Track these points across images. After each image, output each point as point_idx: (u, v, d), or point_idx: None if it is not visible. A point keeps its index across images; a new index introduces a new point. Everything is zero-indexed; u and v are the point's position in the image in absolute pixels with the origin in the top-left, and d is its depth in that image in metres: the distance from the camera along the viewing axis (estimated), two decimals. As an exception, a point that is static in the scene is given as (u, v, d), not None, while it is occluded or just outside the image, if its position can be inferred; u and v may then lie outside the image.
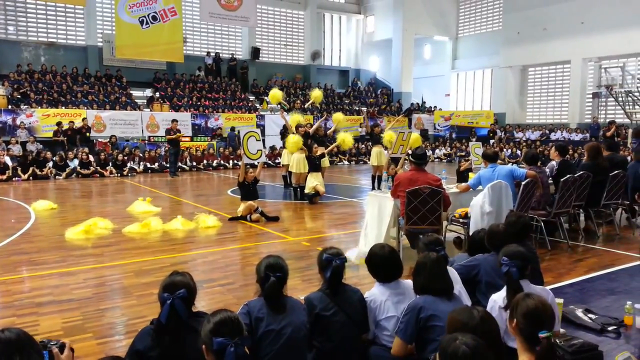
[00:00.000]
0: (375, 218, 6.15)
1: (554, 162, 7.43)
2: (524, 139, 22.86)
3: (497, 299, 3.06)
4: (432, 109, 27.98)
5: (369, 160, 13.31)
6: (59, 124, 16.80)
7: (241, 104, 22.91)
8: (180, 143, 16.79)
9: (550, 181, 7.11)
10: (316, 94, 13.77)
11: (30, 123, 16.93)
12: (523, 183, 6.12)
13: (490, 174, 6.12)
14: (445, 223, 6.07)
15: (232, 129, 20.19)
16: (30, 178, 14.52)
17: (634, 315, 3.91)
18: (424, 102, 28.75)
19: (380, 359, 3.06)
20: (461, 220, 6.09)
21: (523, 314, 2.29)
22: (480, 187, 6.12)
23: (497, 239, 3.79)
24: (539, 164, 7.07)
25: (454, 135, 25.63)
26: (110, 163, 15.97)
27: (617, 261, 5.98)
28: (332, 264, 3.06)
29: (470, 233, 5.37)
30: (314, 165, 10.51)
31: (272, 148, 19.89)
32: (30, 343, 2.00)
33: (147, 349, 2.49)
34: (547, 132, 22.73)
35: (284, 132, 12.36)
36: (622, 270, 5.61)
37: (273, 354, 2.68)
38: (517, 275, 3.04)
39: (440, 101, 28.90)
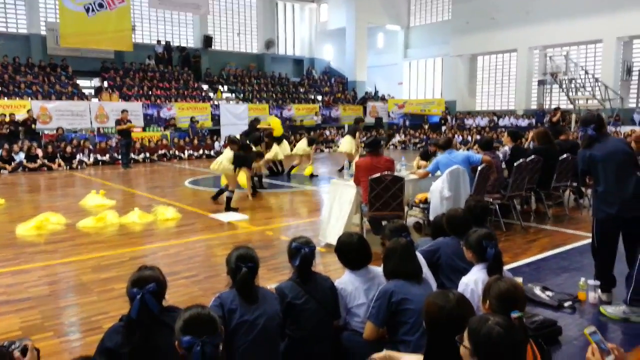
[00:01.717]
0: (337, 205, 6.19)
1: (506, 147, 7.70)
2: (474, 125, 23.50)
3: (468, 282, 3.15)
4: (386, 98, 28.32)
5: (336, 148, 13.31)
6: (2, 115, 15.92)
7: (194, 93, 22.45)
8: (132, 134, 16.29)
9: (503, 166, 7.37)
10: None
11: (-31, 116, 15.96)
12: (479, 168, 6.31)
13: (448, 160, 6.27)
14: (405, 209, 6.19)
15: (192, 119, 19.75)
16: (-29, 173, 13.76)
17: (587, 291, 4.13)
18: (376, 92, 29.04)
19: (352, 343, 3.10)
20: (421, 205, 6.23)
21: (496, 295, 2.37)
22: (438, 173, 6.27)
23: (456, 223, 3.90)
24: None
25: (407, 123, 26.06)
26: (58, 155, 15.32)
27: (567, 240, 6.27)
28: (301, 252, 3.07)
29: (431, 218, 5.51)
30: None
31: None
32: None
33: (117, 346, 2.41)
34: (495, 118, 23.46)
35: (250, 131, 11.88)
36: (573, 249, 5.89)
37: (247, 345, 2.67)
38: (498, 255, 3.15)
39: (393, 89, 29.28)
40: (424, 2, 28.61)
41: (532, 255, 5.63)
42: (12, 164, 14.44)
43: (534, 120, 21.47)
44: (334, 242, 3.57)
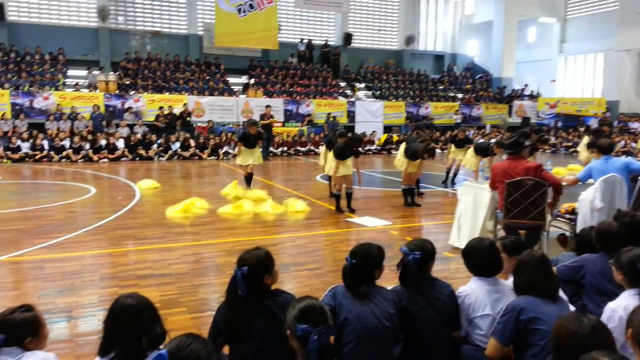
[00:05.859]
0: (470, 210, 5.86)
1: (678, 155, 6.64)
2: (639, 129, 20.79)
3: (617, 308, 2.72)
4: (536, 96, 26.24)
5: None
6: (160, 108, 17.85)
7: (332, 90, 22.96)
8: (273, 128, 17.18)
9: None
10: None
11: (137, 107, 18.16)
12: (640, 177, 5.50)
13: (603, 167, 5.56)
14: (549, 218, 5.63)
15: (328, 115, 20.25)
16: (137, 158, 15.58)
17: None
18: (532, 92, 26.84)
19: (472, 359, 2.88)
20: (567, 216, 5.61)
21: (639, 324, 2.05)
22: (590, 181, 5.59)
23: (610, 239, 3.41)
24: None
25: (559, 124, 23.86)
26: (207, 146, 16.71)
27: None
28: (404, 258, 2.97)
29: (578, 230, 4.94)
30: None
31: (363, 135, 19.76)
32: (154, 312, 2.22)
33: (222, 322, 2.54)
34: (667, 122, 20.52)
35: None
36: None
37: (355, 344, 2.59)
38: None
39: (544, 87, 27.02)
40: (585, -9, 25.95)
41: None
42: (169, 152, 16.09)
43: None
44: (462, 246, 3.35)
